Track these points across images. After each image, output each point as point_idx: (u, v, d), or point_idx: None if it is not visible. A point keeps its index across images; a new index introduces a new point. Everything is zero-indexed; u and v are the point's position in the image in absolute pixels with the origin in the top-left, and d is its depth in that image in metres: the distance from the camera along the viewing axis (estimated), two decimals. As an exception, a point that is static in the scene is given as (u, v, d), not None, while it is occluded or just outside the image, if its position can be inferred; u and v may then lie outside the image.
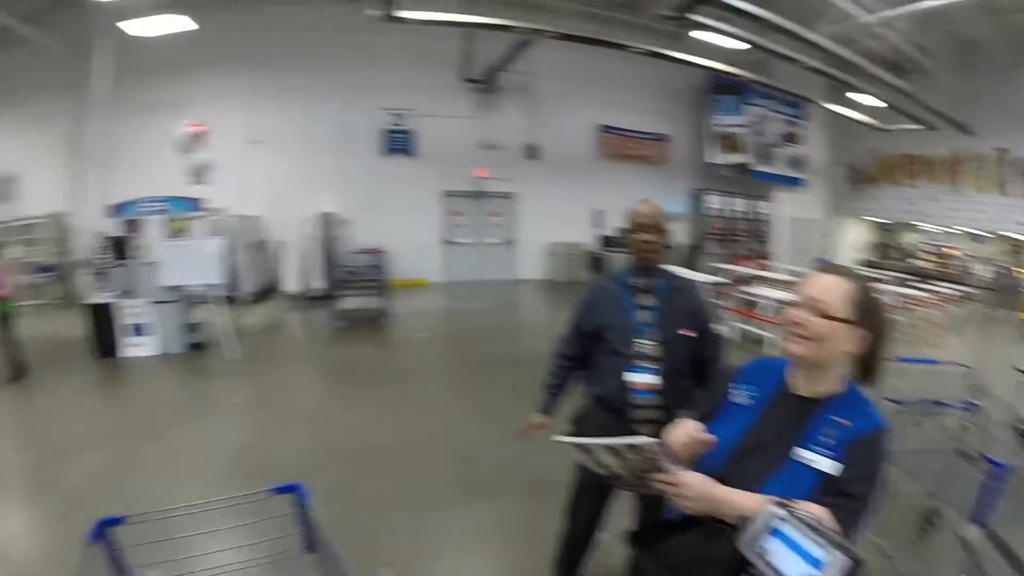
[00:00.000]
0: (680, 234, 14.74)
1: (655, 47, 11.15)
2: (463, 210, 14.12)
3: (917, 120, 13.13)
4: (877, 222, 17.45)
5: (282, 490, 1.83)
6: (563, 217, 14.41)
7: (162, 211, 11.17)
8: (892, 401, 3.12)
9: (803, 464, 1.30)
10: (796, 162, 16.79)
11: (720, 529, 1.25)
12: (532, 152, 14.10)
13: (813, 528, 1.03)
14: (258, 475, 4.03)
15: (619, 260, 10.94)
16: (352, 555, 1.71)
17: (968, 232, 14.91)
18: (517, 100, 13.75)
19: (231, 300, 8.13)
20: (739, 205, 16.41)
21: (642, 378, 2.23)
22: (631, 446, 1.29)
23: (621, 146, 15.08)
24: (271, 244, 12.13)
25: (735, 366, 1.62)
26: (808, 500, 1.19)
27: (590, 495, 2.39)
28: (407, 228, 13.06)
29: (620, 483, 1.44)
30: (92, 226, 10.52)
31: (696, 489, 1.28)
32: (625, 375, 2.24)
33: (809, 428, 1.34)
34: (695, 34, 9.78)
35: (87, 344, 7.29)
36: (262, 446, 4.80)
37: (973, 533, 2.38)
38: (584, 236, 14.49)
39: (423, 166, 13.42)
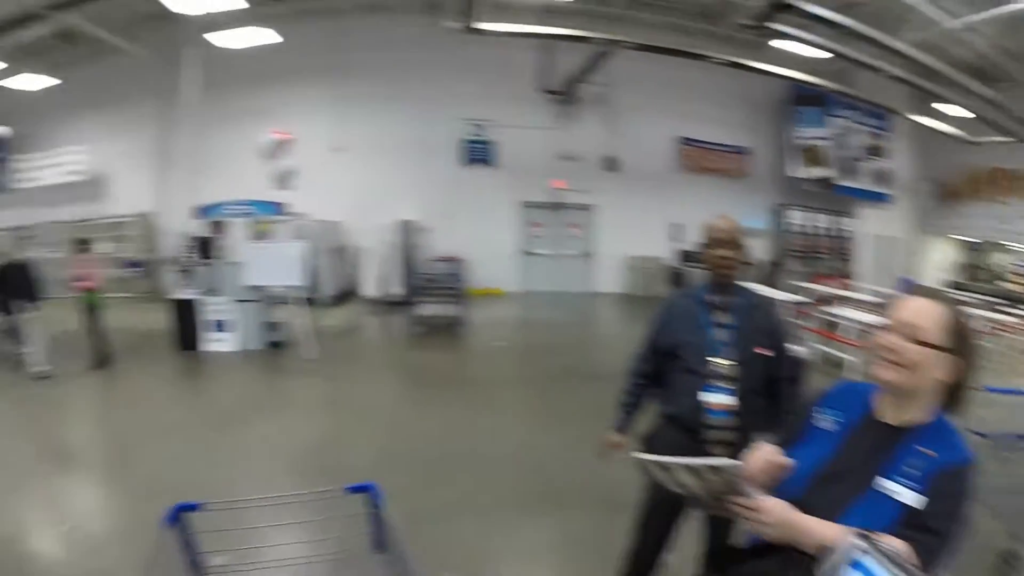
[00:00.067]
0: (760, 251, 14.17)
1: (735, 57, 10.99)
2: (541, 221, 14.11)
3: (1007, 132, 12.32)
4: (964, 241, 16.29)
5: (356, 489, 1.83)
6: (642, 230, 14.12)
7: (246, 214, 11.73)
8: (977, 434, 2.93)
9: (885, 495, 1.27)
10: (881, 177, 15.86)
11: (798, 558, 1.23)
12: (611, 164, 13.95)
13: (895, 563, 1.00)
14: (329, 472, 4.08)
15: (698, 275, 10.60)
16: (418, 558, 1.72)
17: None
18: (596, 111, 13.65)
19: (311, 302, 8.37)
20: (821, 221, 15.66)
21: (717, 398, 2.19)
22: (712, 467, 1.30)
23: (701, 159, 14.67)
24: (351, 249, 12.51)
25: (820, 389, 1.58)
26: (888, 532, 1.16)
27: (661, 514, 2.34)
28: (485, 238, 13.16)
29: (697, 504, 1.44)
30: (179, 226, 11.11)
31: (776, 515, 1.26)
32: (700, 395, 2.20)
33: (894, 457, 1.31)
34: (776, 43, 9.65)
35: (170, 337, 7.71)
36: (334, 444, 4.88)
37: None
38: (663, 250, 14.13)
39: (502, 176, 13.52)
